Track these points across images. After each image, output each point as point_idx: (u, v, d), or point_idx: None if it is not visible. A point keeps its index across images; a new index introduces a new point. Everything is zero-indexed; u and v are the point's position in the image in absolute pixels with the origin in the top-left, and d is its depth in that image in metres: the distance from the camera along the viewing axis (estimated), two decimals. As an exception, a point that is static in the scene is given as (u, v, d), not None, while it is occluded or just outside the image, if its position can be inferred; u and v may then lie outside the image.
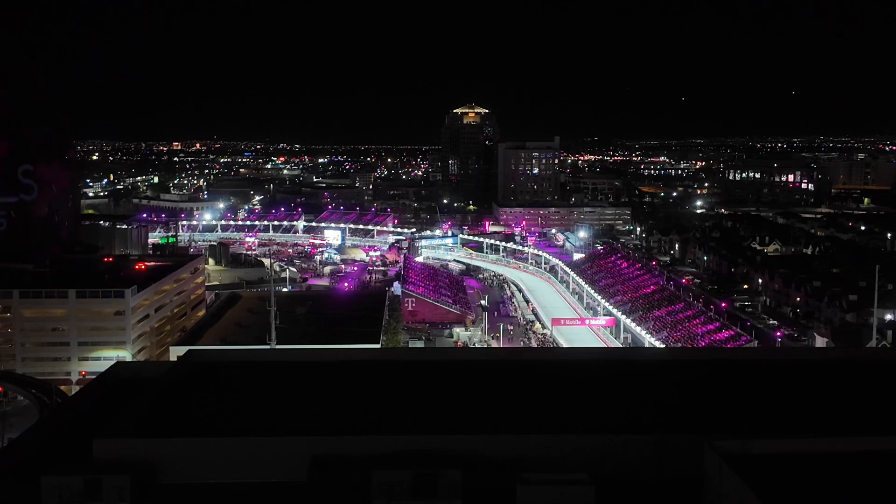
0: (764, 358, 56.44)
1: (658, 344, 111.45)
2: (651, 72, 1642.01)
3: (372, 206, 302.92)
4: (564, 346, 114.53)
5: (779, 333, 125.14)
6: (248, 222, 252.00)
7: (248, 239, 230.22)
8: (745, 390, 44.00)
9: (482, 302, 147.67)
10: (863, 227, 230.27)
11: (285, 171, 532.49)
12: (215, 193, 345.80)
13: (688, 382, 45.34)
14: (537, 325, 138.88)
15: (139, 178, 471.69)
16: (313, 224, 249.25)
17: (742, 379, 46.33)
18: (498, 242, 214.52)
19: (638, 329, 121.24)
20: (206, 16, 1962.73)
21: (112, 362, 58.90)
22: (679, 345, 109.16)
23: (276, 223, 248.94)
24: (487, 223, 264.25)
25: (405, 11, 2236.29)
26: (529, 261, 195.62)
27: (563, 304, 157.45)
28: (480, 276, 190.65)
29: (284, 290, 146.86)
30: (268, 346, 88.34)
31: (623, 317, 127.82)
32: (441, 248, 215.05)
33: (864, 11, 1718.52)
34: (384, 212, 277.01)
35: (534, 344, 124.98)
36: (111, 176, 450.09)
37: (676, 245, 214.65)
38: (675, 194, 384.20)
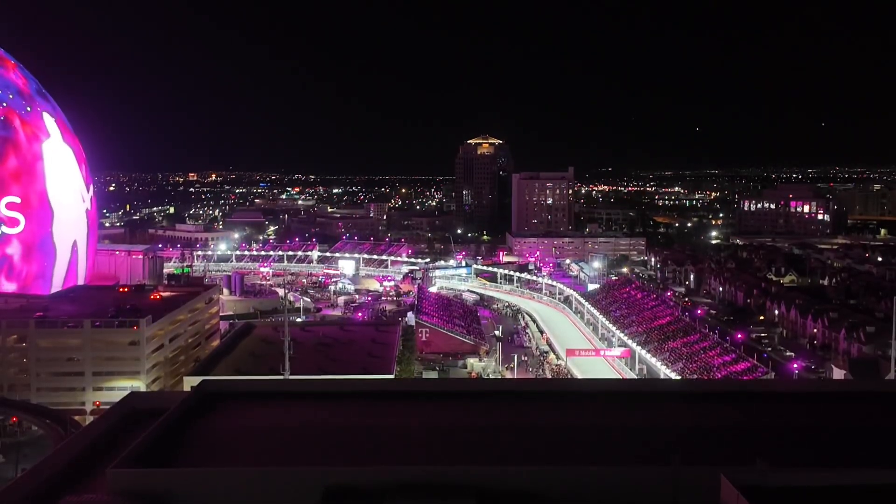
0: (781, 390, 55.97)
1: (673, 375, 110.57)
2: (664, 102, 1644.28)
3: (386, 237, 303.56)
4: (579, 376, 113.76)
5: (795, 365, 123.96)
6: (263, 252, 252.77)
7: (262, 269, 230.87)
8: (762, 422, 43.61)
9: (496, 332, 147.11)
10: (880, 258, 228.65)
11: (300, 202, 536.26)
12: (230, 224, 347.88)
13: (704, 414, 45.00)
14: (552, 355, 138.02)
15: (155, 208, 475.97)
16: (327, 254, 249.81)
17: (759, 411, 45.95)
18: (512, 273, 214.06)
19: (653, 360, 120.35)
20: (221, 47, 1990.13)
21: (126, 392, 58.99)
22: (695, 376, 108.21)
23: (290, 253, 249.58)
24: (501, 253, 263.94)
25: (419, 43, 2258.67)
26: (543, 291, 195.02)
27: (577, 335, 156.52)
28: (494, 306, 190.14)
29: (298, 320, 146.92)
30: (281, 377, 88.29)
31: (638, 348, 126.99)
32: (455, 278, 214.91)
33: (881, 42, 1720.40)
34: (398, 242, 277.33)
35: (548, 375, 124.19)
36: (127, 206, 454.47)
37: (691, 276, 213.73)
38: (689, 225, 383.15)
